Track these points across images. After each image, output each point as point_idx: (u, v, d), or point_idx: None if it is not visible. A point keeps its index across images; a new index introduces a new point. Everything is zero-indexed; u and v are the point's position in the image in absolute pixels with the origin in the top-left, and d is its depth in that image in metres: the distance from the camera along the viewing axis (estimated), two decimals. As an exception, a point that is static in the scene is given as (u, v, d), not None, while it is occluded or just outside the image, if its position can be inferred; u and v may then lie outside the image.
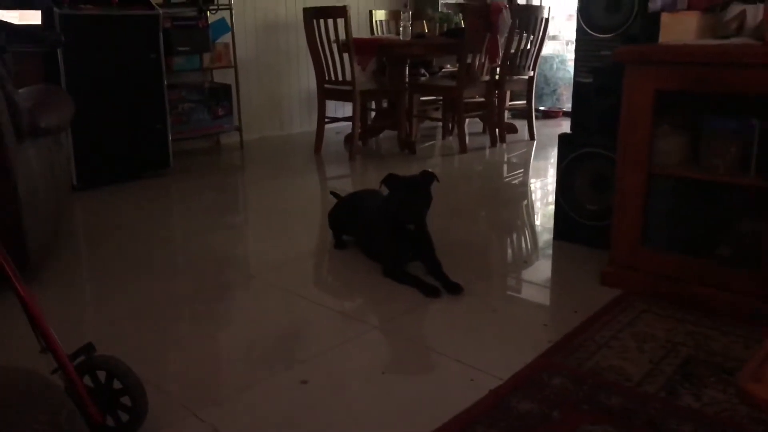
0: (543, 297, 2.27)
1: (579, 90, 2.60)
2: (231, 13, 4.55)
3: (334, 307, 2.17)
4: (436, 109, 5.39)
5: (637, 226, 2.10)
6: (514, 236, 2.96)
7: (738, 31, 2.06)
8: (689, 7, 2.19)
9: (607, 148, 2.38)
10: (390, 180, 2.35)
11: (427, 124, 5.60)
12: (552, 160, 4.03)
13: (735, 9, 2.08)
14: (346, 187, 4.05)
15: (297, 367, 1.73)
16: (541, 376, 1.63)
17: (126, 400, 1.41)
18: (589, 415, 1.46)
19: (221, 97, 4.59)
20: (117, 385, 1.40)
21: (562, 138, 2.60)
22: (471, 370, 1.69)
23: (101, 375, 1.41)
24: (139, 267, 2.50)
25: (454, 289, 2.17)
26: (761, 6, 2.03)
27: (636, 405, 1.50)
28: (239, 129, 4.71)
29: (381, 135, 5.15)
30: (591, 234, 2.52)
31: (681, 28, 2.18)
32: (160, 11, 3.76)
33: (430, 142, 5.12)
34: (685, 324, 1.90)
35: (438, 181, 2.34)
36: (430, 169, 2.37)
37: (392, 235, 2.34)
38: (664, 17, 2.22)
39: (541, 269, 2.51)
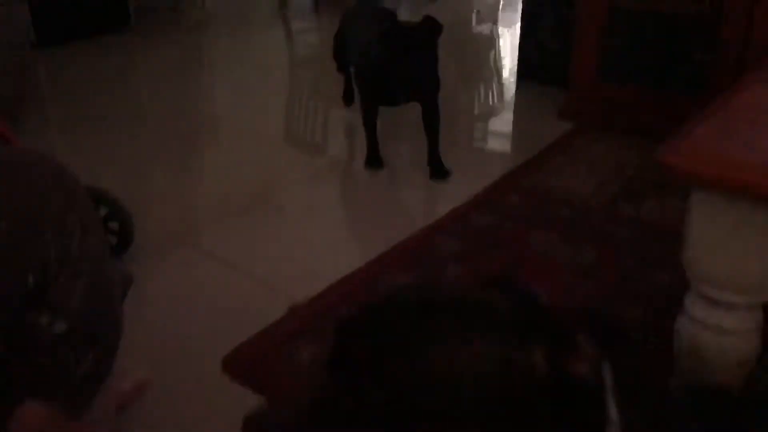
0: (505, 132, 2.38)
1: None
2: None
3: (302, 152, 2.26)
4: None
5: (594, 58, 2.18)
6: (481, 84, 3.01)
7: None
8: None
9: (570, -14, 2.40)
10: (385, 21, 1.86)
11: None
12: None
13: None
14: (314, 41, 4.01)
15: (271, 198, 1.85)
16: (498, 195, 1.77)
17: (114, 225, 1.52)
18: (539, 226, 1.62)
19: (178, -53, 4.36)
20: (103, 211, 1.51)
21: (527, -23, 2.60)
22: (433, 192, 1.82)
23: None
24: (109, 119, 2.52)
25: (439, 174, 1.92)
26: None
27: (581, 216, 1.66)
28: (200, -17, 4.52)
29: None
30: (553, 72, 2.59)
31: None
32: None
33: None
34: (634, 149, 2.04)
35: (440, 31, 1.86)
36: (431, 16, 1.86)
37: (373, 78, 1.92)
38: None
39: (504, 110, 2.60)
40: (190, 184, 2.02)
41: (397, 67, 1.80)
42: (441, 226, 1.62)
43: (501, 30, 3.93)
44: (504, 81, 2.97)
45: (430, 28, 1.81)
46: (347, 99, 2.44)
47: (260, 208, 1.80)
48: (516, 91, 2.71)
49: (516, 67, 2.77)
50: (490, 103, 2.72)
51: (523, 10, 2.64)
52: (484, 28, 4.08)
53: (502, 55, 3.43)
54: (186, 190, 1.96)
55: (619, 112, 2.17)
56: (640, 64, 2.23)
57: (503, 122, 2.47)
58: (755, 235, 0.82)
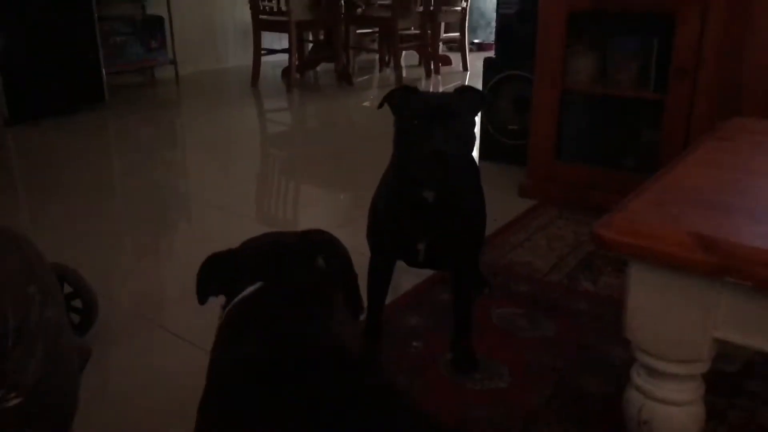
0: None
1: (502, 18, 2.73)
2: (160, -59, 4.44)
3: (272, 223, 2.30)
4: (373, 41, 5.44)
5: (551, 140, 2.29)
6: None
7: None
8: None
9: (528, 71, 2.54)
10: (399, 97, 1.24)
11: (364, 56, 5.65)
12: (484, 89, 4.19)
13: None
14: (285, 120, 4.13)
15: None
16: (461, 271, 1.81)
17: (77, 302, 1.52)
18: (500, 300, 1.66)
19: (154, 29, 4.52)
20: (67, 289, 1.51)
21: (487, 62, 2.75)
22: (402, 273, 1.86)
23: (52, 280, 1.51)
24: (80, 195, 2.55)
25: (466, 365, 1.37)
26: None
27: (541, 291, 1.71)
28: (174, 62, 4.67)
29: (318, 67, 5.19)
30: (513, 152, 2.70)
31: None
32: (85, -61, 3.65)
33: (367, 75, 5.19)
34: (590, 226, 2.11)
35: (487, 103, 1.47)
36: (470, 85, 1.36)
37: (390, 212, 1.31)
38: (578, -57, 2.35)
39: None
40: (158, 262, 2.03)
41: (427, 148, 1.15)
42: (402, 302, 1.65)
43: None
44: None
45: (468, 97, 1.26)
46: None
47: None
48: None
49: (478, 146, 2.88)
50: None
51: (482, 92, 2.78)
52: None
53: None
54: (153, 268, 1.97)
55: (576, 190, 2.27)
56: (594, 144, 2.35)
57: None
58: (688, 305, 0.87)
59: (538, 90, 2.26)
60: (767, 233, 0.85)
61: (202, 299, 0.99)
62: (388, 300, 1.49)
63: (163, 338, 1.55)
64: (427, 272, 1.74)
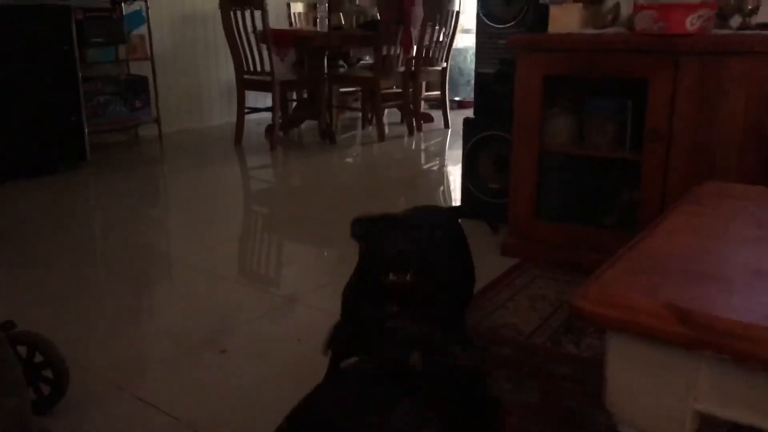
0: (450, 269, 2.45)
1: (481, 78, 2.79)
2: (146, 4, 4.53)
3: (254, 286, 2.27)
4: (356, 100, 5.53)
5: (531, 200, 2.31)
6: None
7: (613, 22, 2.29)
8: (574, 0, 2.41)
9: (506, 131, 2.57)
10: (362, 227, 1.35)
11: (347, 114, 5.73)
12: (465, 147, 4.25)
13: (610, 2, 2.31)
14: (267, 177, 4.14)
15: (216, 339, 1.83)
16: (443, 334, 1.79)
17: (48, 372, 1.47)
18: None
19: (138, 89, 4.56)
20: (39, 358, 1.47)
21: (467, 122, 2.79)
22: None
23: (21, 351, 1.46)
24: (58, 258, 2.51)
25: None
26: (626, -1, 2.27)
27: (525, 354, 1.69)
28: (157, 121, 4.70)
29: (302, 125, 5.25)
30: (494, 211, 2.71)
31: (567, 19, 2.40)
32: (72, 2, 3.72)
33: (350, 133, 5.25)
34: (573, 285, 2.12)
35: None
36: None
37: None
38: (553, 9, 2.43)
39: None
40: (136, 326, 1.98)
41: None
42: None
43: (449, 167, 4.15)
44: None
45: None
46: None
47: (208, 350, 1.77)
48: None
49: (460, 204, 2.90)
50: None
51: (463, 151, 2.81)
52: (433, 165, 4.29)
53: (451, 191, 3.59)
54: (130, 333, 1.92)
55: (557, 249, 2.28)
56: (574, 203, 2.37)
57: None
58: (668, 377, 0.86)
59: (517, 151, 2.30)
60: (744, 304, 0.85)
61: None
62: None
63: (139, 411, 1.51)
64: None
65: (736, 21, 2.15)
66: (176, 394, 1.57)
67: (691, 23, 1.94)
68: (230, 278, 2.31)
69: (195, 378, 1.64)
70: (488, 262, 2.35)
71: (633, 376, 0.89)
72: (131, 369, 1.70)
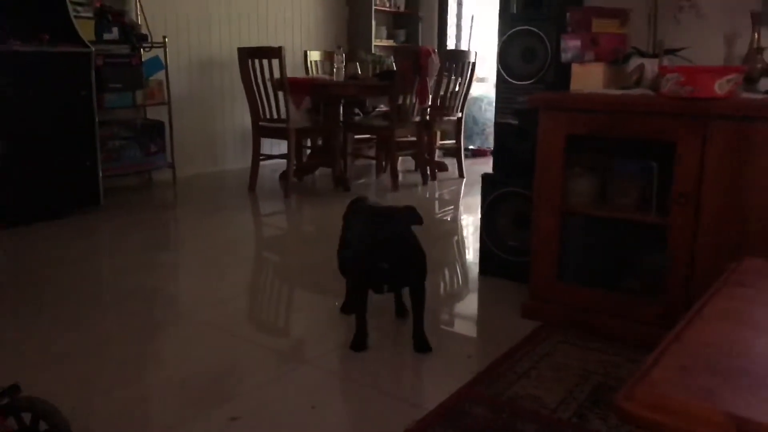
0: (468, 330, 2.37)
1: (500, 133, 2.76)
2: (165, 50, 4.58)
3: (266, 344, 2.20)
4: (370, 148, 5.52)
5: (552, 262, 2.24)
6: (445, 271, 3.06)
7: (637, 82, 2.26)
8: (596, 59, 2.39)
9: (526, 188, 2.53)
10: (354, 205, 2.22)
11: (361, 161, 5.72)
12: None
13: (634, 62, 2.29)
14: (280, 224, 4.10)
15: (227, 405, 1.75)
16: (463, 406, 1.71)
17: (52, 440, 1.41)
18: (507, 442, 1.55)
19: (154, 133, 4.58)
20: (43, 426, 1.40)
21: (485, 178, 2.75)
22: (398, 403, 1.76)
23: (27, 417, 1.40)
24: (67, 306, 2.46)
25: (422, 348, 2.06)
26: (656, 60, 2.24)
27: (550, 431, 1.61)
28: (172, 166, 4.70)
29: (316, 172, 5.23)
30: (513, 269, 2.65)
31: (589, 78, 2.38)
32: (92, 48, 3.76)
33: (364, 180, 5.23)
34: (596, 353, 2.04)
35: (420, 223, 1.99)
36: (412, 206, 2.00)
37: (362, 277, 2.08)
38: (575, 68, 2.41)
39: (468, 304, 2.62)
40: (142, 382, 1.92)
41: (383, 256, 1.98)
42: (433, 421, 1.55)
43: (463, 217, 4.10)
44: (467, 268, 3.03)
45: (409, 216, 1.99)
46: (347, 310, 2.37)
47: (217, 416, 1.70)
48: (479, 285, 2.75)
49: (479, 261, 2.84)
50: (455, 290, 2.74)
51: (482, 207, 2.76)
52: (447, 215, 4.24)
53: (464, 238, 3.54)
54: (137, 393, 1.85)
55: (580, 313, 2.20)
56: (597, 267, 2.30)
57: (465, 321, 2.48)
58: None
59: (538, 212, 2.24)
60: (808, 413, 0.78)
61: None
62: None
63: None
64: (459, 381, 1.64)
65: (764, 84, 2.12)
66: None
67: (720, 87, 1.90)
68: (240, 329, 2.24)
69: (204, 448, 1.56)
70: (509, 325, 2.28)
71: (685, 487, 0.82)
72: (136, 428, 1.62)
